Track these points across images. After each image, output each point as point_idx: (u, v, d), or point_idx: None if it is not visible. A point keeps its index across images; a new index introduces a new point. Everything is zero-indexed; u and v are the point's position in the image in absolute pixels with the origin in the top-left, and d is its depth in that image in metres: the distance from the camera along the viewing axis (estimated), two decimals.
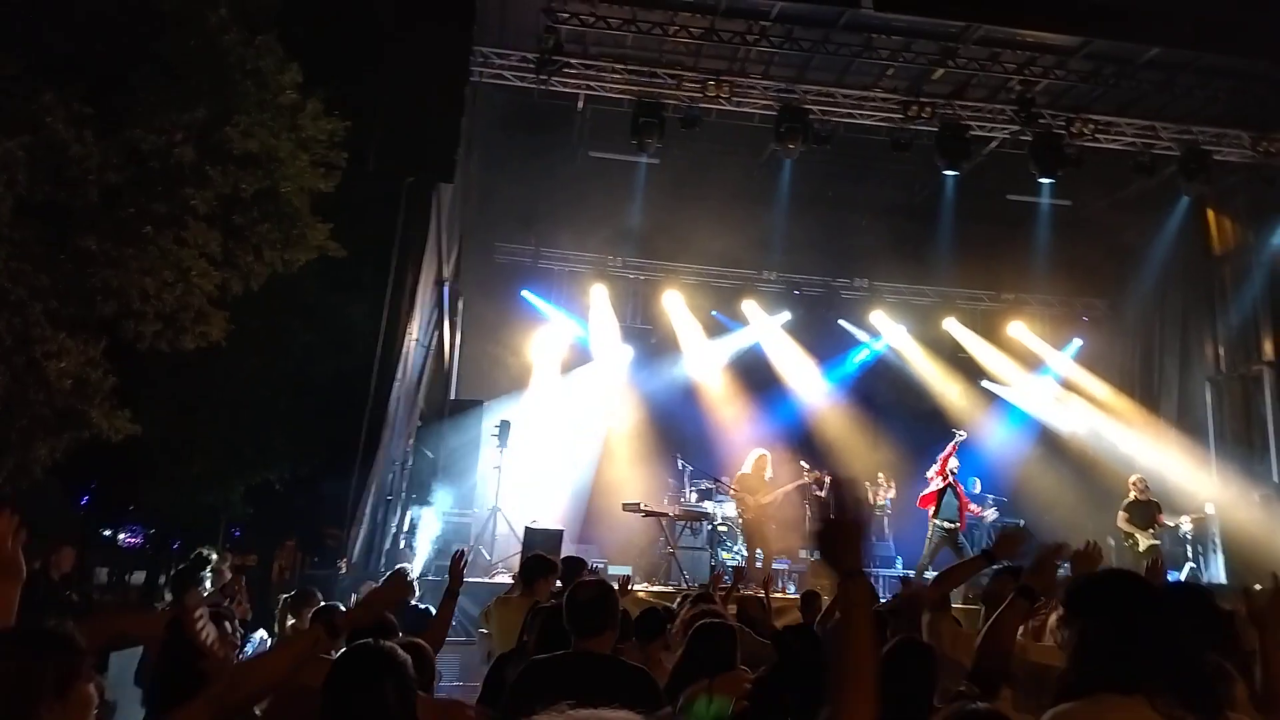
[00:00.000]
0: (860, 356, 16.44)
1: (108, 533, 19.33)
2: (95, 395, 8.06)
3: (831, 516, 1.90)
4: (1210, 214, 14.79)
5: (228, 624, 3.76)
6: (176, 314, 8.50)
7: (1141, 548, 11.32)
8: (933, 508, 11.59)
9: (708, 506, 12.05)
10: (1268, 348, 13.93)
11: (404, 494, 11.72)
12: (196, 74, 8.01)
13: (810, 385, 15.72)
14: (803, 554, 12.50)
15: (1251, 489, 13.39)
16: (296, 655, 2.51)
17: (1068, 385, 16.48)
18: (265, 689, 2.47)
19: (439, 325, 12.51)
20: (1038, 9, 11.20)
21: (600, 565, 10.22)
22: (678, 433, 13.98)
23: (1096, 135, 12.34)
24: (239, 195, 8.76)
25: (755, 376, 15.46)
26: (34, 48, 7.39)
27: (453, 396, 13.00)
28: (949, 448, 11.69)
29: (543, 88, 11.51)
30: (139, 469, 9.68)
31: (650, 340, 15.64)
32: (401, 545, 11.29)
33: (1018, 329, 16.77)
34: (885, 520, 14.10)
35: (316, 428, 10.72)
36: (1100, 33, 11.42)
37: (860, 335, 16.47)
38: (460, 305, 13.58)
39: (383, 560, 10.72)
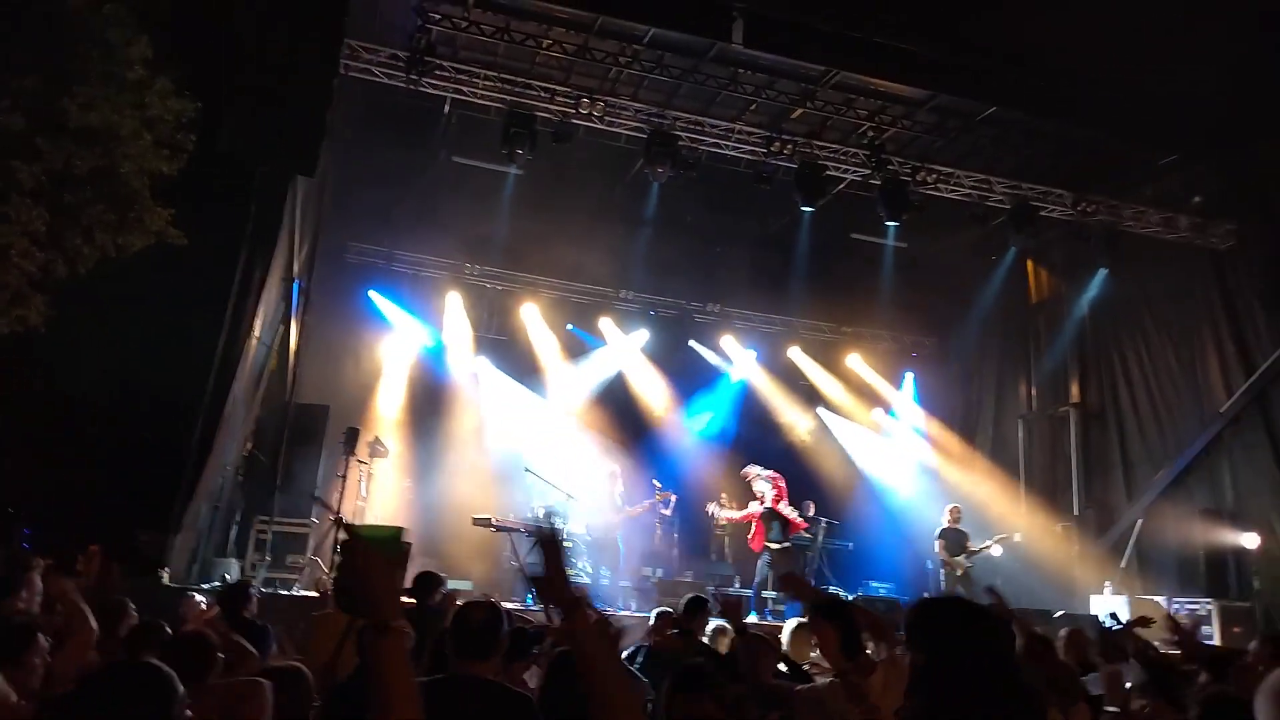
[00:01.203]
0: (716, 381, 16.83)
1: None
2: None
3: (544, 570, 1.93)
4: (1030, 265, 16.09)
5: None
6: None
7: (958, 573, 12.13)
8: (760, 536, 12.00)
9: (556, 522, 11.98)
10: (1074, 391, 15.27)
11: (235, 500, 11.06)
12: (32, 38, 7.34)
13: (661, 404, 15.96)
14: (646, 571, 12.64)
15: (1055, 520, 14.59)
16: None
17: (898, 417, 17.46)
18: None
19: (284, 323, 11.91)
20: (890, 61, 11.87)
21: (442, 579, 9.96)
22: (529, 447, 13.86)
23: (938, 184, 13.18)
24: (72, 172, 8.05)
25: (608, 394, 15.57)
26: None
27: (295, 400, 12.38)
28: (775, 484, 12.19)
29: (411, 88, 11.23)
30: None
31: (506, 352, 15.46)
32: (229, 554, 10.64)
33: (854, 361, 17.64)
34: (725, 540, 14.46)
35: (142, 424, 9.94)
36: (944, 88, 12.26)
37: (711, 358, 16.88)
38: (308, 304, 12.98)
39: (206, 569, 10.06)
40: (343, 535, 1.74)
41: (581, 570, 12.10)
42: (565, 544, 11.23)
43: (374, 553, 1.69)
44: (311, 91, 8.81)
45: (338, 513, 7.21)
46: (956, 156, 13.46)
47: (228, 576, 9.57)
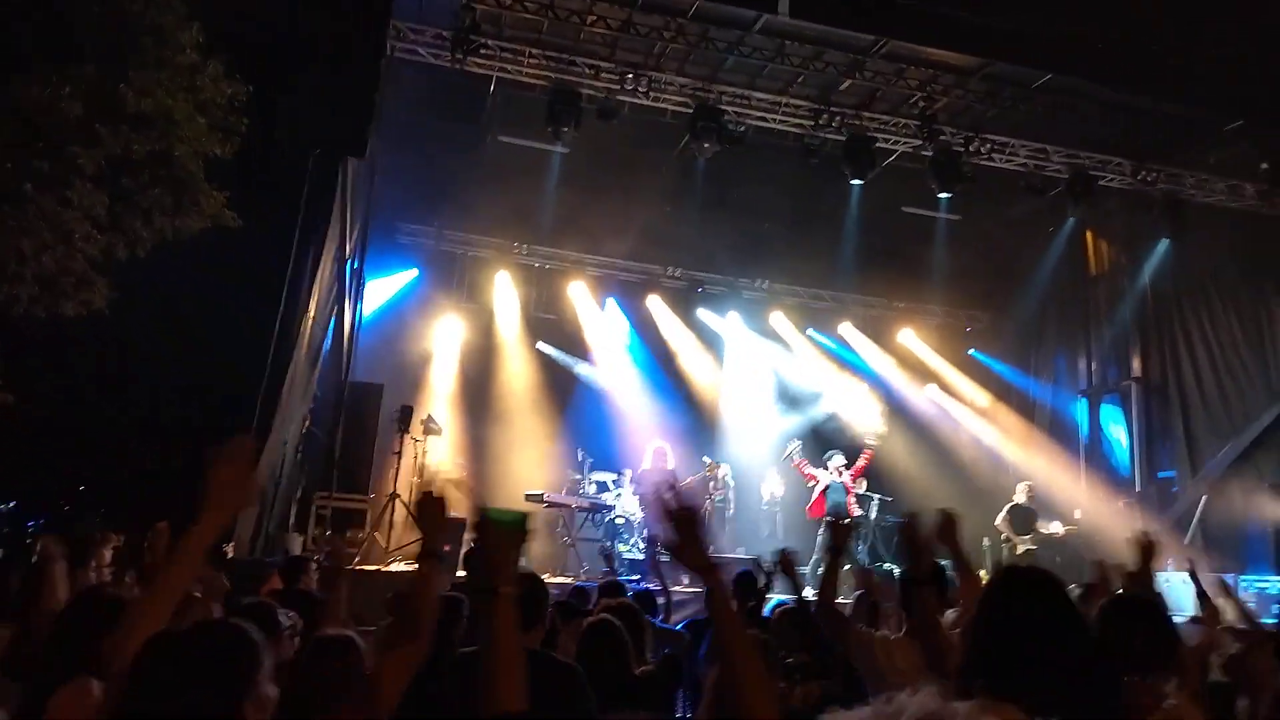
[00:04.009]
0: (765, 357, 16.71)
1: None
2: None
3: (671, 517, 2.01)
4: (1090, 236, 15.67)
5: None
6: (56, 278, 7.98)
7: (1019, 551, 11.90)
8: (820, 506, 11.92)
9: (607, 498, 12.07)
10: (1135, 365, 14.87)
11: (295, 477, 11.31)
12: (89, 27, 7.52)
13: (708, 380, 15.93)
14: None
15: (1116, 497, 14.27)
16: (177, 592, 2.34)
17: (951, 393, 17.19)
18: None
19: (338, 303, 12.11)
20: (942, 29, 11.56)
21: None
22: (579, 424, 13.96)
23: (992, 154, 12.86)
24: (130, 156, 8.26)
25: (656, 371, 15.58)
26: None
27: (350, 378, 12.60)
28: (862, 460, 12.07)
29: (457, 67, 11.27)
30: (8, 441, 9.04)
31: (554, 330, 15.55)
32: (291, 529, 10.90)
33: (907, 336, 17.40)
34: (777, 518, 14.38)
35: (203, 403, 10.24)
36: (998, 56, 11.92)
37: (756, 334, 16.75)
38: (361, 285, 13.17)
39: (270, 544, 10.32)
40: (475, 514, 2.10)
41: (633, 546, 12.18)
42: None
43: (497, 530, 2.04)
44: (360, 74, 8.91)
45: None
46: (1011, 126, 13.10)
47: (288, 551, 9.80)
